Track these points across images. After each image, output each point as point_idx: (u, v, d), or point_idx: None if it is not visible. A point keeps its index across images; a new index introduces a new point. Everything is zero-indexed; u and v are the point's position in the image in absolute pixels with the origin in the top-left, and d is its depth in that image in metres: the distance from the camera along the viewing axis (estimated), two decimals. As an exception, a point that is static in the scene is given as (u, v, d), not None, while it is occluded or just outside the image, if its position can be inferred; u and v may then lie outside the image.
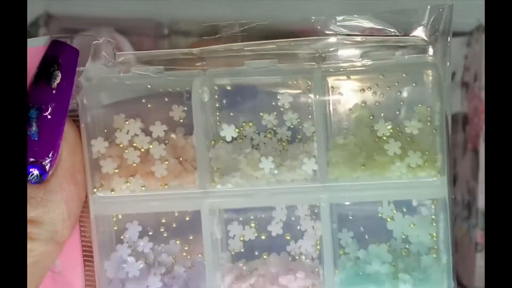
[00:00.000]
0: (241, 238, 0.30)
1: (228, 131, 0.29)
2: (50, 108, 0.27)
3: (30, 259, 0.28)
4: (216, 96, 0.29)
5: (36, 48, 0.29)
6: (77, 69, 0.28)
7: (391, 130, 0.28)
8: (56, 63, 0.28)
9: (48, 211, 0.28)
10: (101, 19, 0.54)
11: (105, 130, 0.29)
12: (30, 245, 0.28)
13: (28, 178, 0.27)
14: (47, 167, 0.27)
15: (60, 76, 0.27)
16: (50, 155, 0.27)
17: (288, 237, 0.29)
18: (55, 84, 0.27)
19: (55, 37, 0.28)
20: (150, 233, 0.30)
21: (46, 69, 0.28)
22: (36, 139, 0.27)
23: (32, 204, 0.27)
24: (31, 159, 0.27)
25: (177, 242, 0.30)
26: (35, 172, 0.27)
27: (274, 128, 0.29)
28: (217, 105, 0.29)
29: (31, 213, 0.27)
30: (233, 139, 0.29)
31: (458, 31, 0.56)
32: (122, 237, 0.30)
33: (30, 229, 0.27)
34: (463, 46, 0.58)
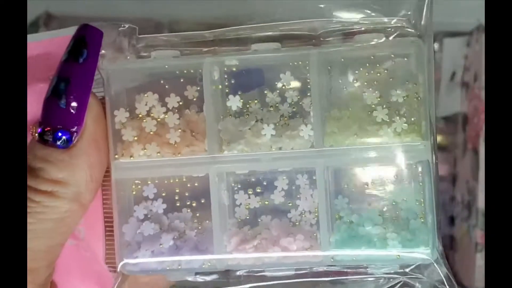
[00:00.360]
0: (247, 206, 0.35)
1: (234, 102, 0.34)
2: (76, 81, 0.33)
3: (55, 215, 0.33)
4: (225, 76, 0.35)
5: (67, 36, 0.35)
6: (102, 51, 0.34)
7: (378, 99, 0.33)
8: (83, 42, 0.33)
9: (73, 173, 0.33)
10: (101, 19, 0.60)
11: (126, 103, 0.35)
12: (56, 203, 0.32)
13: (57, 143, 0.32)
14: (73, 134, 0.33)
15: (86, 53, 0.33)
16: (76, 123, 0.33)
17: (290, 204, 0.35)
18: (81, 60, 0.33)
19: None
20: (164, 197, 0.35)
21: (74, 48, 0.33)
22: (64, 108, 0.33)
23: (59, 167, 0.33)
24: (59, 126, 0.33)
25: (188, 210, 0.35)
26: (63, 137, 0.32)
27: (276, 104, 0.34)
28: (226, 83, 0.35)
29: (58, 174, 0.32)
30: (240, 114, 0.34)
31: (458, 31, 0.60)
32: (139, 200, 0.35)
33: (57, 188, 0.32)
34: (463, 46, 0.62)
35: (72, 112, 0.33)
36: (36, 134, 0.33)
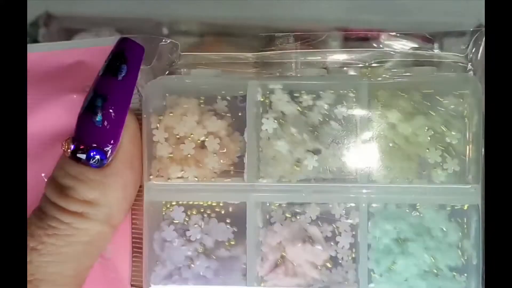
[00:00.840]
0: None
1: (268, 124, 0.33)
2: (114, 98, 0.31)
3: (85, 238, 0.31)
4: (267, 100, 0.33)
5: (104, 47, 0.33)
6: (142, 67, 0.32)
7: (431, 138, 0.32)
8: (123, 57, 0.31)
9: (105, 194, 0.31)
10: (101, 19, 0.56)
11: (164, 122, 0.33)
12: (86, 225, 0.31)
13: (90, 162, 0.31)
14: (108, 153, 0.31)
15: (125, 70, 0.31)
16: (111, 142, 0.31)
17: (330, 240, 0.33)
18: (120, 77, 0.31)
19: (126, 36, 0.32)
20: (197, 223, 0.34)
21: (113, 63, 0.31)
22: (100, 126, 0.31)
23: (91, 187, 0.31)
24: (94, 144, 0.31)
25: (222, 238, 0.33)
26: (97, 156, 0.31)
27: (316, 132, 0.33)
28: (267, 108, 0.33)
29: (89, 195, 0.31)
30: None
31: (458, 31, 0.63)
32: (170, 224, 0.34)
33: (88, 209, 0.31)
34: (463, 46, 0.64)
35: (108, 131, 0.31)
36: (69, 151, 0.31)
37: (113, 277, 0.35)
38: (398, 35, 0.33)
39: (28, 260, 0.30)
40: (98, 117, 0.31)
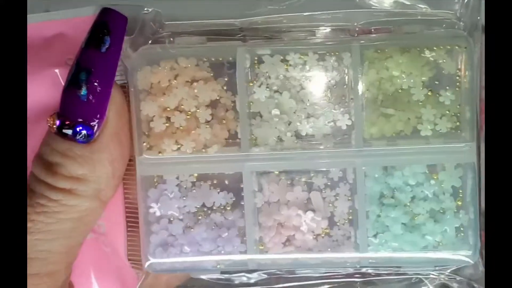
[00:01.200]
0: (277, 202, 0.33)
1: (261, 93, 0.32)
2: (98, 72, 0.30)
3: (74, 215, 0.30)
4: (256, 64, 0.32)
5: (83, 18, 0.33)
6: (125, 37, 0.31)
7: (426, 97, 0.31)
8: (106, 29, 0.30)
9: (94, 169, 0.30)
10: None
11: (152, 94, 0.32)
12: (75, 201, 0.30)
13: (76, 137, 0.30)
14: (94, 128, 0.30)
15: (109, 41, 0.30)
16: (97, 117, 0.30)
17: (329, 205, 0.33)
18: (104, 49, 0.30)
19: (105, 5, 0.31)
20: (192, 194, 0.33)
21: (96, 35, 0.30)
22: (85, 100, 0.30)
23: (79, 162, 0.30)
24: (79, 119, 0.30)
25: (219, 208, 0.33)
26: (83, 132, 0.30)
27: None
28: (256, 72, 0.33)
29: (77, 171, 0.30)
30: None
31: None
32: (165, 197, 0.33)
33: (76, 185, 0.30)
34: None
35: (93, 105, 0.30)
36: (54, 127, 0.30)
37: (108, 251, 0.34)
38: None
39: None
40: (83, 91, 0.30)
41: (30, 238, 0.30)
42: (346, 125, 0.32)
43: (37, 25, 0.34)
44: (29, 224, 0.30)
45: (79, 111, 0.30)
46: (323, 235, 0.34)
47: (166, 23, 0.33)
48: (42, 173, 0.30)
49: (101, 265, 0.34)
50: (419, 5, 0.32)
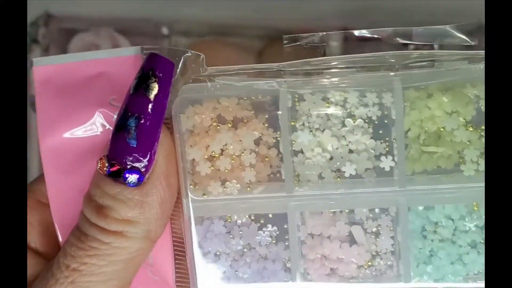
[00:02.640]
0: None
1: (303, 136, 0.33)
2: (147, 117, 0.30)
3: (125, 256, 0.31)
4: (297, 102, 0.33)
5: (126, 57, 0.33)
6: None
7: (469, 137, 0.32)
8: (154, 76, 0.30)
9: (143, 211, 0.31)
10: (101, 19, 0.56)
11: (196, 134, 0.33)
12: (126, 243, 0.31)
13: (126, 182, 0.30)
14: (144, 172, 0.30)
15: (157, 88, 0.30)
16: (146, 161, 0.30)
17: (372, 243, 0.33)
18: (152, 96, 0.30)
19: (150, 50, 0.31)
20: (237, 233, 0.34)
21: (144, 81, 0.30)
22: (135, 146, 0.30)
23: (130, 206, 0.31)
24: (129, 164, 0.30)
25: (264, 245, 0.34)
26: (133, 176, 0.30)
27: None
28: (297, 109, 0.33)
29: (128, 213, 0.30)
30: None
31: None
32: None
33: (127, 228, 0.31)
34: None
35: (142, 150, 0.31)
36: (105, 169, 0.31)
37: (156, 280, 0.35)
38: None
39: (70, 280, 0.31)
40: (132, 137, 0.30)
41: (83, 280, 0.31)
42: (390, 166, 0.32)
43: (79, 64, 0.34)
44: (82, 267, 0.31)
45: (129, 156, 0.30)
46: (365, 267, 0.34)
47: (208, 68, 0.33)
48: (93, 216, 0.31)
49: None
50: (464, 43, 0.32)
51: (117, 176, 0.30)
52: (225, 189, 0.33)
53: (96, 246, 0.31)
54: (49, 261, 0.33)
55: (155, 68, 0.31)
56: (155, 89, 0.31)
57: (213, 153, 0.33)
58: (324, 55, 0.33)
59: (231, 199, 0.33)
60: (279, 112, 0.33)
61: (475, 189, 0.32)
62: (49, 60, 0.34)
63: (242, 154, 0.33)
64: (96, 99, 0.33)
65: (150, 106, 0.30)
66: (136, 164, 0.30)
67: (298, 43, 0.33)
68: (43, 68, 0.33)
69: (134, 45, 0.34)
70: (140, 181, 0.31)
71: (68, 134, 0.34)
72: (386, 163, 0.32)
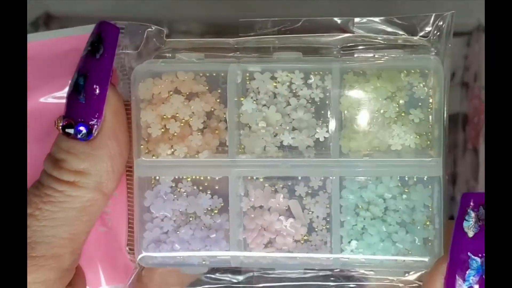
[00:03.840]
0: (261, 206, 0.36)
1: (248, 105, 0.35)
2: (94, 76, 0.33)
3: (77, 204, 0.33)
4: (248, 80, 0.35)
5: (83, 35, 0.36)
6: (130, 51, 0.35)
7: (397, 115, 0.34)
8: (100, 38, 0.34)
9: (94, 164, 0.34)
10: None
11: (152, 103, 0.35)
12: (78, 192, 0.33)
13: (78, 136, 0.33)
14: (93, 127, 0.33)
15: (102, 49, 0.34)
16: (96, 116, 0.33)
17: (306, 208, 0.35)
18: (98, 56, 0.34)
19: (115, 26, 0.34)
20: (183, 195, 0.36)
21: (91, 43, 0.34)
22: (84, 102, 0.33)
23: (81, 158, 0.33)
24: (80, 120, 0.33)
25: (207, 209, 0.36)
26: (83, 130, 0.33)
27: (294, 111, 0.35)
28: (247, 87, 0.35)
29: (79, 165, 0.33)
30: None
31: (458, 31, 0.57)
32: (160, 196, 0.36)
33: (78, 178, 0.33)
34: (463, 46, 0.61)
35: (91, 106, 0.34)
36: (59, 127, 0.34)
37: (115, 246, 0.37)
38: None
39: (27, 225, 0.33)
40: (82, 95, 0.33)
41: (37, 224, 0.33)
42: (324, 137, 0.35)
43: (55, 40, 0.37)
44: (36, 212, 0.33)
45: (79, 113, 0.33)
46: (302, 241, 0.36)
47: (167, 40, 0.35)
48: (50, 168, 0.34)
49: (109, 258, 0.38)
50: (399, 32, 0.34)
51: (69, 131, 0.33)
52: (173, 151, 0.35)
53: (50, 194, 0.33)
54: None
55: (101, 32, 0.34)
56: (100, 50, 0.34)
57: (165, 116, 0.35)
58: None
59: (179, 162, 0.35)
60: (230, 87, 0.35)
61: (404, 163, 0.34)
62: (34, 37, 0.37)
63: (191, 119, 0.35)
64: (71, 70, 0.36)
65: (96, 65, 0.34)
66: (85, 119, 0.33)
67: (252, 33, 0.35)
68: None
69: (134, 44, 0.36)
70: (89, 135, 0.34)
71: (43, 99, 0.36)
72: (321, 134, 0.35)
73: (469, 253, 0.31)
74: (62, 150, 0.34)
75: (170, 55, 0.36)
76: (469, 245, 0.31)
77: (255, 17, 0.36)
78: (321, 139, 0.35)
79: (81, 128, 0.33)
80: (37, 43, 0.37)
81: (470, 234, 0.31)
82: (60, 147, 0.34)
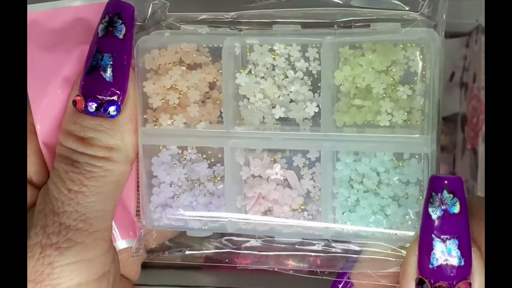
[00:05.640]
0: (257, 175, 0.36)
1: (242, 78, 0.35)
2: (120, 55, 0.34)
3: (114, 178, 0.34)
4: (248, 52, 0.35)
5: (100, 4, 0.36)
6: (136, 23, 0.35)
7: (386, 90, 0.33)
8: (120, 19, 0.34)
9: (123, 139, 0.35)
10: None
11: (154, 74, 0.36)
12: (114, 166, 0.34)
13: (106, 114, 0.34)
14: (120, 104, 0.34)
15: (125, 29, 0.34)
16: (122, 94, 0.34)
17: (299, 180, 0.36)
18: (122, 35, 0.34)
19: None
20: (185, 163, 0.37)
21: (112, 24, 0.34)
22: (111, 81, 0.34)
23: (110, 135, 0.34)
24: (108, 98, 0.34)
25: (208, 178, 0.36)
26: (113, 108, 0.34)
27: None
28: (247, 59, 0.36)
29: (110, 141, 0.34)
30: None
31: (457, 32, 0.59)
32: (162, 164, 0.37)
33: (111, 153, 0.34)
34: (462, 47, 0.60)
35: (119, 85, 0.34)
36: (84, 107, 0.34)
37: (122, 211, 0.38)
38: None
39: (76, 202, 0.34)
40: (109, 74, 0.34)
41: (87, 200, 0.34)
42: (314, 112, 0.35)
43: (60, 10, 0.37)
44: (83, 189, 0.34)
45: (106, 91, 0.34)
46: (299, 210, 0.36)
47: (171, 13, 0.36)
48: (80, 146, 0.34)
49: (120, 220, 0.39)
50: (396, 1, 0.33)
51: (99, 111, 0.34)
52: (173, 121, 0.36)
53: (91, 170, 0.34)
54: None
55: (120, 12, 0.35)
56: (123, 30, 0.34)
57: (164, 88, 0.36)
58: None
59: (179, 131, 0.36)
60: (226, 57, 0.35)
61: (396, 139, 0.34)
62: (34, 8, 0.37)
63: (189, 91, 0.36)
64: (78, 40, 0.36)
65: (121, 45, 0.34)
66: (114, 97, 0.34)
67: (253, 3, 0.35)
68: None
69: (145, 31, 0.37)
70: (118, 112, 0.34)
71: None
72: (311, 108, 0.35)
73: (433, 235, 0.31)
74: (87, 128, 0.34)
75: (176, 27, 0.36)
76: (433, 227, 0.31)
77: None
78: (311, 114, 0.35)
79: (111, 106, 0.34)
80: (42, 13, 0.36)
81: (434, 216, 0.31)
82: (84, 126, 0.34)
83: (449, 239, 0.30)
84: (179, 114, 0.36)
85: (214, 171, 0.37)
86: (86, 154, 0.34)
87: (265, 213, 0.37)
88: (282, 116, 0.35)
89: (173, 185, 0.37)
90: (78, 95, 0.34)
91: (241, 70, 0.35)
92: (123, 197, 0.38)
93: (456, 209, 0.31)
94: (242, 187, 0.37)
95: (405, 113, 0.33)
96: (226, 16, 0.36)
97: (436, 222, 0.31)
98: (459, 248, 0.30)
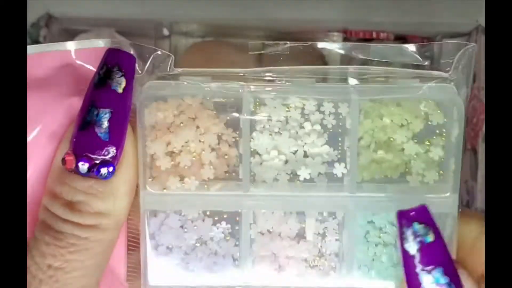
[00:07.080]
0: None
1: (259, 138, 0.32)
2: (118, 111, 0.30)
3: (103, 247, 0.30)
4: (258, 106, 0.33)
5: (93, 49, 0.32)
6: (136, 75, 0.31)
7: (415, 148, 0.32)
8: (120, 70, 0.30)
9: (114, 203, 0.30)
10: (102, 20, 0.54)
11: (159, 134, 0.32)
12: (102, 235, 0.30)
13: (100, 175, 0.29)
14: (115, 164, 0.30)
15: (125, 82, 0.30)
16: (119, 153, 0.30)
17: (319, 245, 0.33)
18: (121, 89, 0.30)
19: (115, 46, 0.31)
20: (191, 228, 0.33)
21: (110, 76, 0.30)
22: (107, 140, 0.30)
23: (101, 198, 0.30)
24: (104, 158, 0.29)
25: (214, 243, 0.33)
26: (108, 169, 0.29)
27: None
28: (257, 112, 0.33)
29: (100, 206, 0.30)
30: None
31: (457, 32, 0.57)
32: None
33: (100, 220, 0.30)
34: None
35: (115, 143, 0.30)
36: (73, 167, 0.30)
37: (110, 278, 0.34)
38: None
39: (54, 279, 0.30)
40: (105, 131, 0.30)
41: (67, 276, 0.30)
42: (342, 173, 0.33)
43: (44, 55, 0.32)
44: (64, 265, 0.30)
45: (101, 150, 0.30)
46: (311, 266, 0.34)
47: (176, 68, 0.32)
48: (66, 213, 0.30)
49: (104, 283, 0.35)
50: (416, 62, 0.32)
51: (91, 173, 0.30)
52: (183, 184, 0.33)
53: (74, 242, 0.30)
54: None
55: (120, 63, 0.30)
56: (123, 83, 0.30)
57: (175, 148, 0.33)
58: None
59: (188, 195, 0.33)
60: (243, 116, 0.32)
61: (418, 198, 0.32)
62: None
63: (203, 152, 0.33)
64: (67, 89, 0.32)
65: (120, 100, 0.30)
66: (108, 157, 0.30)
67: (262, 51, 0.32)
68: None
69: (134, 45, 0.33)
70: (112, 173, 0.30)
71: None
72: (339, 169, 0.33)
73: (416, 270, 0.30)
74: (78, 191, 0.30)
75: (175, 78, 0.32)
76: (415, 262, 0.30)
77: (256, 18, 0.32)
78: (339, 175, 0.33)
79: (106, 167, 0.30)
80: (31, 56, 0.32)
81: (412, 251, 0.30)
82: (74, 187, 0.30)
83: (434, 268, 0.30)
84: (191, 177, 0.32)
85: (218, 230, 0.33)
86: (71, 222, 0.30)
87: (276, 271, 0.34)
88: (306, 177, 0.32)
89: (174, 248, 0.33)
90: (68, 153, 0.30)
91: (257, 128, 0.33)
92: (110, 261, 0.33)
93: (431, 237, 0.30)
94: (252, 245, 0.34)
95: (437, 173, 0.32)
96: (232, 72, 0.32)
97: (416, 256, 0.30)
98: (445, 274, 0.30)
